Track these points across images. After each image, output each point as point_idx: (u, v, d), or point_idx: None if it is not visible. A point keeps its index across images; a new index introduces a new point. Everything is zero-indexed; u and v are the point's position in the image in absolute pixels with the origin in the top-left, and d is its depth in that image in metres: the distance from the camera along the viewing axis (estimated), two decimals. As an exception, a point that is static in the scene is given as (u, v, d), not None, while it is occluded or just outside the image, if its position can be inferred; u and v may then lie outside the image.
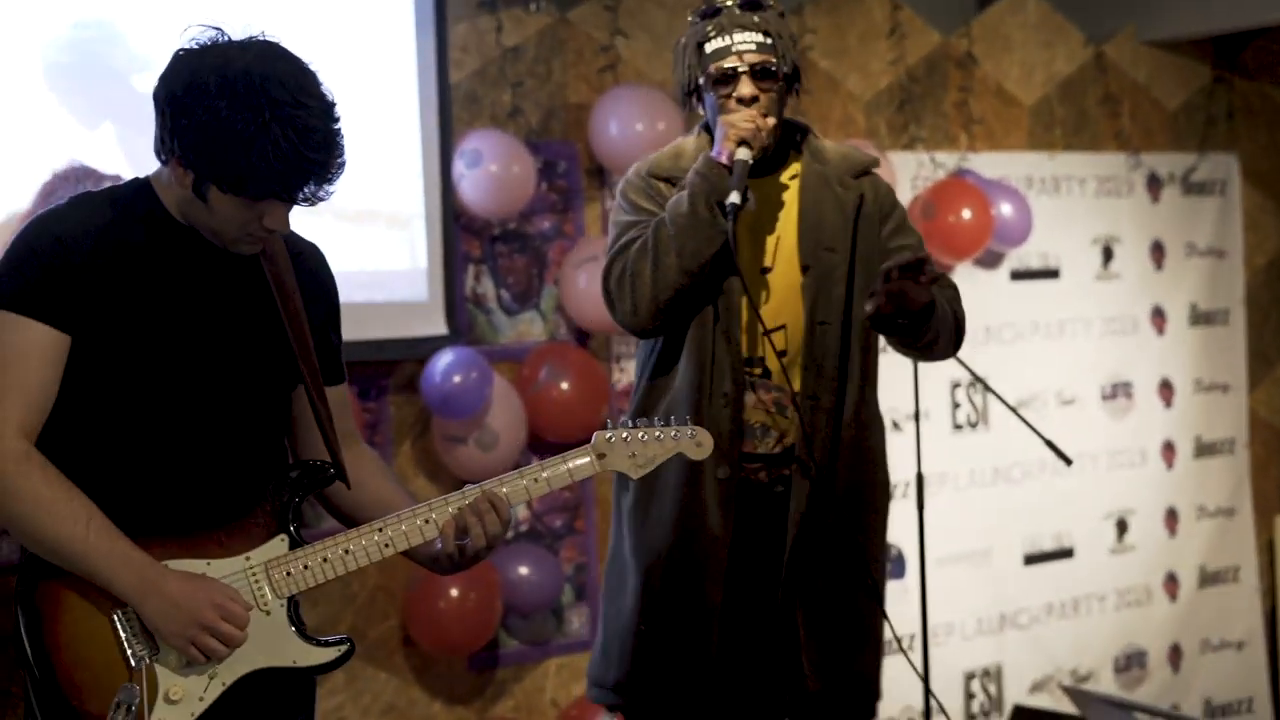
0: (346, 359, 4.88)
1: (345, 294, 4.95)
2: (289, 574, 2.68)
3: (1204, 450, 6.99)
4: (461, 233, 5.28)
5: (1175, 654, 6.85)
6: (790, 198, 3.37)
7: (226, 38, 2.60)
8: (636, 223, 3.28)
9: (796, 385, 3.29)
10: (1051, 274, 6.41)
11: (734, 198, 3.15)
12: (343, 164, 2.63)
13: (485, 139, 5.17)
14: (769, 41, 3.24)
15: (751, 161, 3.19)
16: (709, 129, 3.36)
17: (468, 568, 2.82)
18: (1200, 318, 6.98)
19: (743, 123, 3.19)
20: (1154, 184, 6.82)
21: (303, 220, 4.85)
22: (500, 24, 5.36)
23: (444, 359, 4.93)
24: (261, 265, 2.73)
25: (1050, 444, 4.70)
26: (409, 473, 5.20)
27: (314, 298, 2.85)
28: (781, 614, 3.31)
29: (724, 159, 3.18)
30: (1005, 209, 6.00)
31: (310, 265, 2.90)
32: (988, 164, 6.30)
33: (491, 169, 5.11)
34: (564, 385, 5.23)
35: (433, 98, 5.08)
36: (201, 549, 2.66)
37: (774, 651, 3.34)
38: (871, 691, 3.44)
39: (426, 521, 2.75)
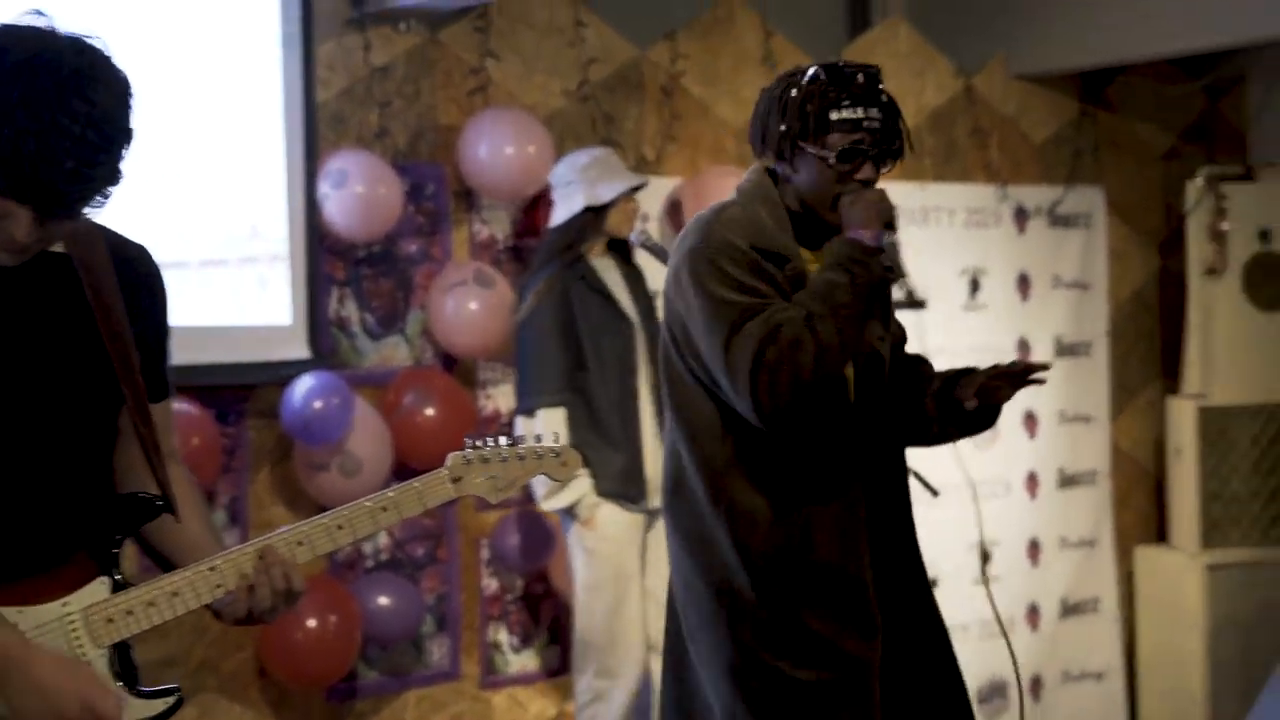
0: (205, 382, 4.82)
1: (204, 316, 4.88)
2: (110, 620, 2.42)
3: (1067, 481, 7.03)
4: (326, 255, 5.17)
5: (1036, 685, 6.88)
6: None
7: (40, 27, 2.33)
8: (759, 303, 2.97)
9: None
10: (919, 304, 6.40)
11: (907, 289, 3.09)
12: (99, 184, 2.31)
13: (351, 159, 5.06)
14: (893, 123, 3.10)
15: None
16: (775, 183, 3.14)
17: (253, 624, 2.55)
18: (1065, 349, 7.03)
19: (883, 203, 3.04)
20: (1021, 216, 6.87)
21: (161, 234, 4.74)
22: (368, 43, 5.26)
23: (305, 383, 4.82)
24: (79, 277, 2.46)
25: (918, 476, 4.68)
26: (267, 500, 5.07)
27: (141, 308, 2.55)
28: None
29: (872, 242, 2.99)
30: (875, 239, 5.99)
31: (139, 270, 2.58)
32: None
33: (357, 190, 5.01)
34: (429, 411, 5.14)
35: (298, 116, 4.98)
36: (14, 595, 2.40)
37: None
38: None
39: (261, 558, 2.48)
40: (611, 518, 4.89)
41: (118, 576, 2.48)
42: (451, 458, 2.60)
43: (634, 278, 5.08)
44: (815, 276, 3.01)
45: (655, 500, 4.88)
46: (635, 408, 4.90)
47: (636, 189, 5.05)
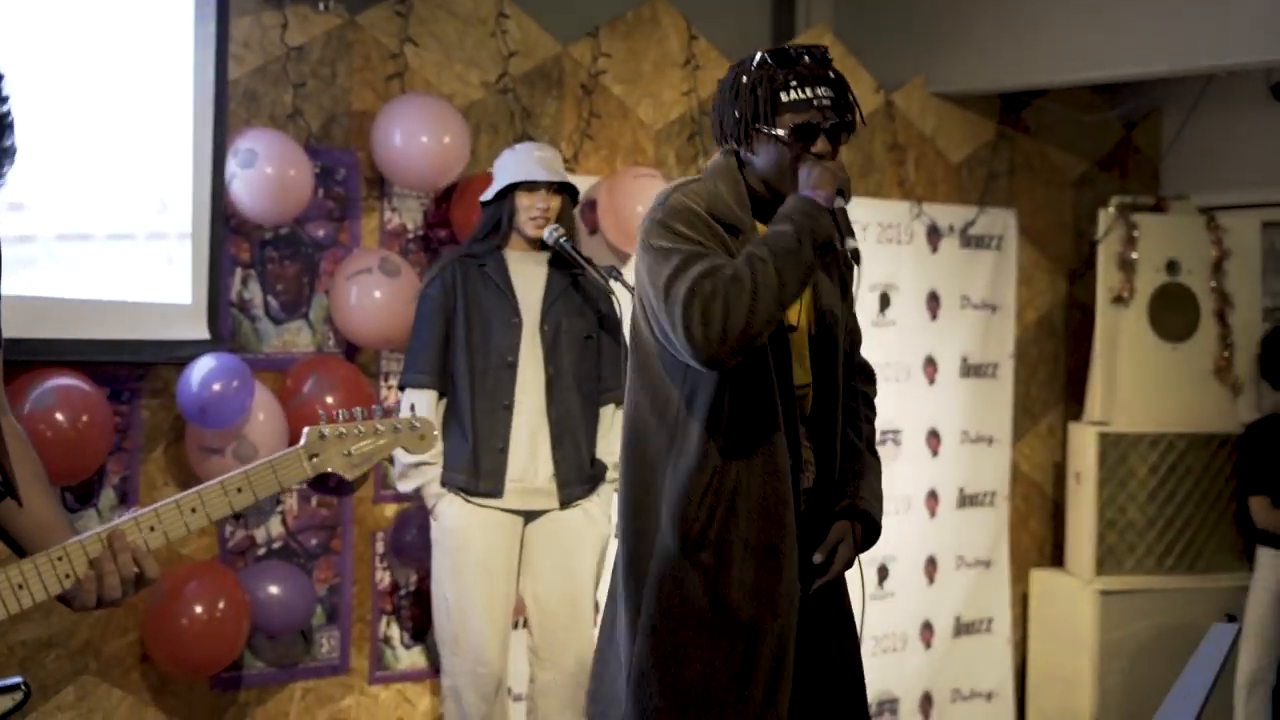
0: (98, 357, 4.70)
1: (102, 291, 4.77)
2: None
3: (966, 501, 7.06)
4: (231, 235, 5.07)
5: (927, 702, 6.89)
6: None
7: None
8: (701, 251, 3.10)
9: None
10: (857, 261, 6.37)
11: (853, 243, 3.10)
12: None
13: (262, 139, 4.97)
14: (843, 98, 3.23)
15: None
16: (739, 167, 3.27)
17: (101, 609, 2.46)
18: (971, 369, 7.06)
19: (840, 172, 3.16)
20: (934, 234, 6.88)
21: (68, 205, 4.63)
22: (286, 21, 5.17)
23: (204, 365, 4.71)
24: None
25: None
26: (158, 481, 4.96)
27: None
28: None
29: (823, 200, 3.10)
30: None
31: None
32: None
33: (267, 171, 4.92)
34: (329, 399, 5.04)
35: (209, 92, 4.86)
36: None
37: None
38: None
39: (67, 576, 2.36)
40: (453, 510, 4.81)
41: None
42: (307, 433, 2.54)
43: (557, 280, 4.94)
44: (768, 229, 3.13)
45: (529, 500, 4.86)
46: (510, 404, 4.81)
47: (565, 188, 4.90)
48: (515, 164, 4.89)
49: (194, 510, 2.46)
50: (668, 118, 6.09)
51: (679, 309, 3.03)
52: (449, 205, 5.47)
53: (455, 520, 4.82)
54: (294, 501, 5.25)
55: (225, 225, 4.99)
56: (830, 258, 3.27)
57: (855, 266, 3.14)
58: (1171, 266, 7.09)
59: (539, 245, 4.90)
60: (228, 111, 4.96)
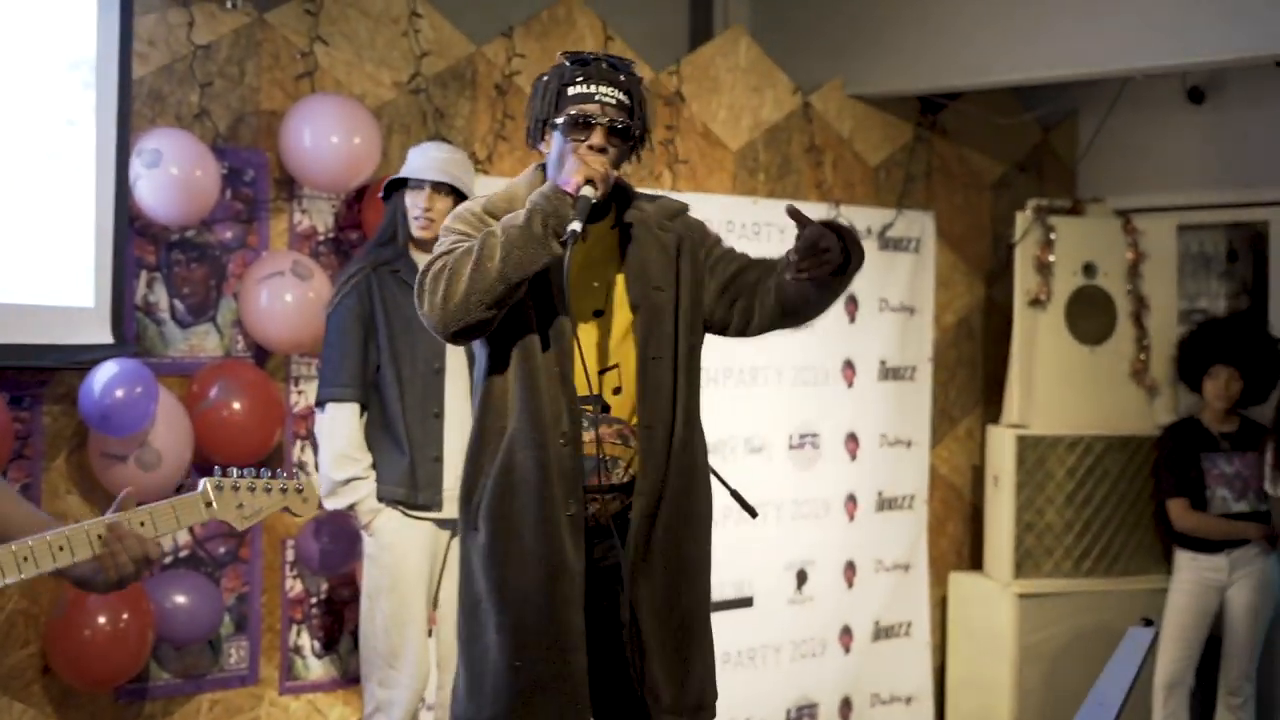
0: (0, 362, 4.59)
1: (1, 293, 4.65)
2: None
3: (885, 504, 7.03)
4: (135, 237, 4.96)
5: (846, 707, 6.86)
6: (615, 245, 3.53)
7: None
8: (461, 242, 3.33)
9: (633, 418, 3.45)
10: (576, 238, 6.32)
11: (575, 225, 3.24)
12: None
13: (167, 139, 4.86)
14: (628, 103, 3.40)
15: (595, 201, 3.31)
16: (543, 170, 3.48)
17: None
18: (889, 373, 7.03)
19: (595, 164, 3.32)
20: (852, 237, 6.84)
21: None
22: (192, 19, 5.07)
23: (106, 370, 4.60)
24: None
25: (736, 495, 4.58)
26: (61, 488, 4.85)
27: None
28: (632, 630, 3.47)
29: (569, 189, 3.29)
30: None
31: None
32: (690, 204, 6.22)
33: (172, 171, 4.81)
34: (236, 405, 4.95)
35: (112, 91, 4.75)
36: None
37: (631, 667, 3.47)
38: (713, 692, 3.58)
39: (62, 549, 2.61)
40: (391, 525, 4.70)
41: None
42: (204, 483, 2.84)
43: None
44: None
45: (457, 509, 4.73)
46: (439, 411, 4.71)
47: (448, 190, 4.72)
48: (408, 162, 4.79)
49: (100, 537, 2.68)
50: (583, 119, 6.01)
51: (418, 283, 3.29)
52: (360, 207, 5.38)
53: (393, 535, 4.70)
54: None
55: (130, 227, 4.88)
56: (682, 241, 3.53)
57: (567, 248, 3.25)
58: (1088, 269, 7.11)
59: None
60: (132, 110, 4.85)
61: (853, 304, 6.86)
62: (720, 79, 6.48)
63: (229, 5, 5.16)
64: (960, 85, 6.83)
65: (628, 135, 3.40)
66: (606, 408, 3.42)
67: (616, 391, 3.44)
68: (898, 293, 7.05)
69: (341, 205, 5.41)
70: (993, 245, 7.50)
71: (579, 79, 3.36)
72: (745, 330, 3.58)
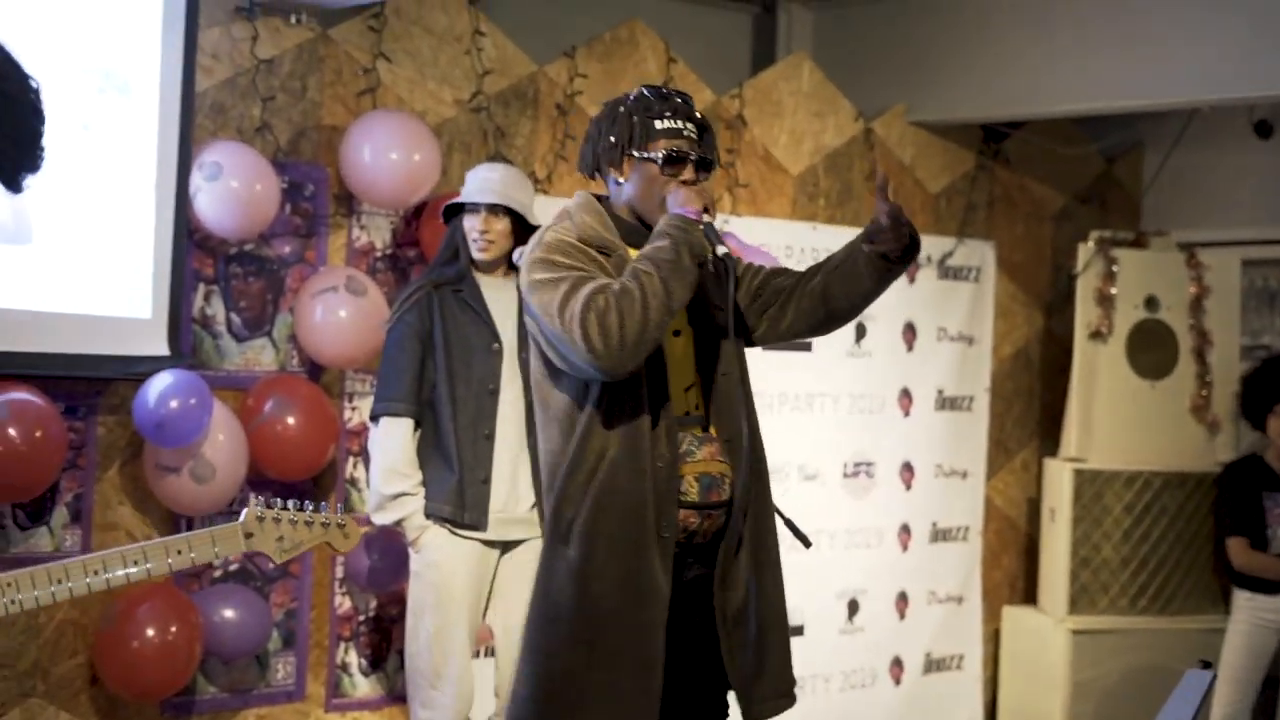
0: (52, 371, 4.59)
1: (58, 303, 4.66)
2: None
3: (939, 536, 6.97)
4: (194, 249, 4.97)
5: (895, 739, 6.79)
6: None
7: None
8: (585, 274, 3.36)
9: (715, 432, 3.55)
10: (804, 346, 6.32)
11: (722, 249, 3.38)
12: (36, 157, 2.45)
13: (228, 152, 4.87)
14: (706, 137, 3.54)
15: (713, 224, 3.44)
16: (601, 200, 3.57)
17: None
18: (945, 402, 6.98)
19: (705, 192, 3.46)
20: (912, 265, 6.79)
21: (25, 213, 4.52)
22: (256, 33, 5.08)
23: (161, 381, 4.60)
24: None
25: (790, 524, 4.55)
26: (113, 500, 4.85)
27: None
28: (726, 632, 3.55)
29: (695, 217, 3.40)
30: (763, 276, 5.90)
31: None
32: (748, 229, 6.20)
33: (232, 185, 4.81)
34: (291, 420, 4.94)
35: (174, 103, 4.76)
36: None
37: (725, 666, 3.56)
38: (793, 677, 3.70)
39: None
40: (438, 542, 4.67)
41: None
42: (246, 513, 2.82)
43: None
44: (646, 245, 3.40)
45: (508, 531, 4.71)
46: (490, 433, 4.68)
47: (505, 211, 4.70)
48: (466, 186, 4.77)
49: (136, 563, 2.68)
50: (644, 141, 5.99)
51: (577, 326, 3.27)
52: (418, 224, 5.37)
53: (439, 552, 4.68)
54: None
55: (189, 239, 4.89)
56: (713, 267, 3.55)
57: (731, 271, 3.42)
58: (1150, 303, 7.03)
59: (506, 270, 4.77)
60: (194, 123, 4.86)
61: (911, 333, 6.81)
62: (782, 103, 6.45)
63: (293, 20, 5.17)
64: (1023, 115, 6.78)
65: (710, 168, 3.54)
66: (706, 425, 3.53)
67: (696, 409, 3.54)
68: (956, 322, 6.99)
69: (400, 222, 5.40)
70: (1053, 276, 7.44)
71: (666, 114, 3.50)
72: (771, 336, 3.67)
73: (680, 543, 3.47)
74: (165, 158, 4.77)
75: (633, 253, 3.45)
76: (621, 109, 3.53)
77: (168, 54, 4.76)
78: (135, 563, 2.62)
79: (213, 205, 4.82)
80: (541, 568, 3.49)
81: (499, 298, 4.75)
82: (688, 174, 3.47)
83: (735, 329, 3.53)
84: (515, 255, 4.69)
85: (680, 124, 3.48)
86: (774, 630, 3.61)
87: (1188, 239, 7.31)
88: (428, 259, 5.28)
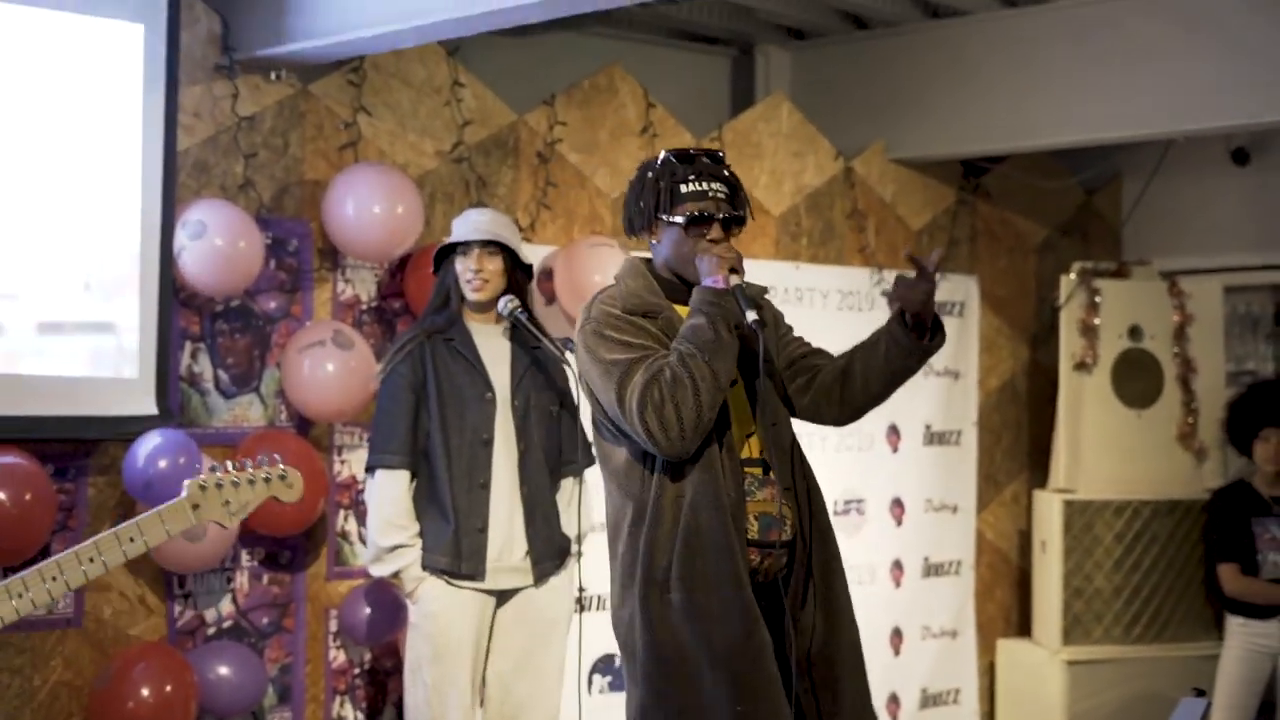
0: (41, 434, 4.60)
1: (45, 365, 4.68)
2: None
3: (931, 570, 6.98)
4: (180, 307, 4.98)
5: (894, 776, 6.79)
6: None
7: None
8: (641, 356, 3.48)
9: (773, 476, 3.60)
10: (763, 324, 6.31)
11: (752, 315, 3.46)
12: None
13: (212, 210, 4.89)
14: (733, 193, 3.62)
15: (742, 285, 3.52)
16: (647, 262, 3.68)
17: None
18: (934, 437, 7.00)
19: (728, 253, 3.53)
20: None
21: (4, 275, 4.54)
22: (237, 91, 5.10)
23: (149, 441, 4.62)
24: None
25: None
26: (105, 560, 4.85)
27: None
28: (804, 670, 3.59)
29: (723, 285, 3.49)
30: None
31: None
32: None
33: (216, 242, 4.83)
34: (280, 474, 4.94)
35: (157, 162, 4.79)
36: None
37: (809, 706, 3.59)
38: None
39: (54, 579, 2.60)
40: (435, 593, 4.66)
41: None
42: (188, 485, 2.83)
43: (520, 354, 4.79)
44: (684, 324, 3.52)
45: (505, 580, 4.71)
46: (486, 482, 4.69)
47: (497, 249, 4.70)
48: (454, 231, 4.79)
49: (91, 560, 2.70)
50: (625, 186, 5.99)
51: (637, 420, 3.41)
52: (403, 276, 5.39)
53: (437, 603, 4.67)
54: (245, 579, 5.15)
55: (174, 298, 4.90)
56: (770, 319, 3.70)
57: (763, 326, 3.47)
58: (1134, 332, 7.07)
59: (496, 317, 4.79)
60: (176, 182, 4.88)
61: (897, 368, 6.83)
62: (762, 144, 6.49)
63: (273, 77, 5.20)
64: (1002, 149, 6.83)
65: (740, 223, 3.63)
66: (768, 468, 3.58)
67: (758, 453, 3.60)
68: (942, 357, 7.01)
69: (385, 274, 5.42)
70: (1037, 308, 7.48)
71: (690, 177, 3.58)
72: (794, 410, 3.74)
73: (756, 581, 3.51)
74: (149, 216, 4.79)
75: (679, 309, 3.57)
76: (650, 174, 3.63)
77: (149, 113, 4.79)
78: (90, 559, 2.64)
79: (198, 263, 4.84)
80: (639, 619, 3.50)
81: (490, 344, 4.76)
82: (715, 232, 3.57)
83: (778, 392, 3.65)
84: (501, 305, 4.71)
85: (705, 185, 3.58)
86: (853, 676, 3.65)
87: (1169, 267, 7.36)
88: (413, 310, 5.30)
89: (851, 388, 3.70)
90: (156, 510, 2.71)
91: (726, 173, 3.63)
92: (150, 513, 2.68)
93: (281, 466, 2.82)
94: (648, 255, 3.68)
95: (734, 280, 3.50)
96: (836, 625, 3.63)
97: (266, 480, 2.85)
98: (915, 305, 3.56)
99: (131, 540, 2.66)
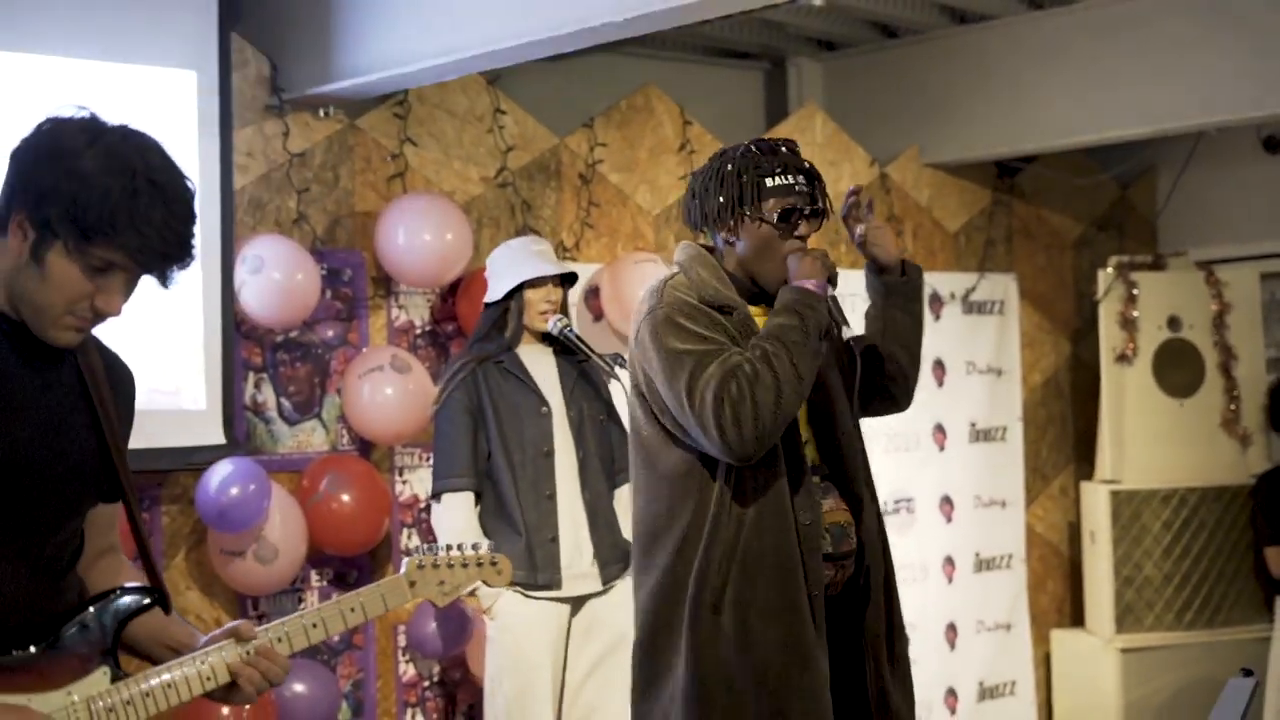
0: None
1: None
2: (111, 710, 2.47)
3: (983, 565, 7.09)
4: (242, 340, 5.16)
5: (955, 768, 6.89)
6: None
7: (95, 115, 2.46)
8: (717, 349, 3.27)
9: (832, 483, 3.46)
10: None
11: (848, 331, 3.40)
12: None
13: (268, 245, 5.07)
14: (816, 186, 3.42)
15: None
16: (710, 251, 3.46)
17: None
18: (979, 434, 7.10)
19: (827, 260, 3.38)
20: (936, 302, 6.95)
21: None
22: (287, 128, 5.28)
23: (221, 470, 4.79)
24: (80, 369, 2.56)
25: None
26: (181, 585, 5.02)
27: (121, 414, 2.67)
28: (875, 677, 3.49)
29: (820, 291, 3.32)
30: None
31: (118, 375, 2.71)
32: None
33: (274, 276, 5.01)
34: (345, 497, 5.12)
35: (215, 202, 4.97)
36: (20, 681, 2.43)
37: (876, 705, 3.48)
38: None
39: (249, 652, 2.61)
40: (511, 607, 4.76)
41: (116, 665, 2.54)
42: (407, 564, 2.84)
43: (567, 368, 4.93)
44: (768, 322, 3.30)
45: (579, 585, 4.82)
46: (552, 492, 4.83)
47: (565, 279, 4.90)
48: (518, 262, 4.86)
49: (315, 626, 2.69)
50: (665, 202, 6.18)
51: (709, 414, 3.18)
52: (455, 300, 5.55)
53: (514, 616, 4.76)
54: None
55: (236, 331, 5.08)
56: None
57: (856, 355, 3.38)
58: (1173, 322, 7.15)
59: (541, 337, 4.94)
60: (234, 220, 5.06)
61: (940, 368, 6.95)
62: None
63: (321, 114, 5.37)
64: (1035, 149, 6.92)
65: (824, 216, 3.45)
66: (828, 477, 3.43)
67: (817, 461, 3.45)
68: (984, 355, 7.13)
69: (436, 299, 5.58)
70: (1076, 303, 7.57)
71: (777, 169, 3.37)
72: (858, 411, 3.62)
73: (825, 594, 3.38)
74: (209, 255, 4.97)
75: (752, 310, 3.37)
76: (730, 166, 3.39)
77: (205, 156, 4.97)
78: (315, 625, 2.68)
79: (257, 297, 5.01)
80: (686, 641, 3.31)
81: (538, 361, 4.90)
82: (802, 229, 3.38)
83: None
84: (551, 324, 4.85)
85: (791, 179, 3.36)
86: (909, 669, 3.59)
87: (1205, 257, 7.44)
88: (466, 332, 5.46)
89: (890, 356, 3.60)
90: (376, 585, 2.79)
91: (806, 164, 3.42)
92: (370, 586, 2.78)
93: (494, 554, 2.93)
94: (706, 243, 3.48)
95: (831, 290, 3.32)
96: (900, 631, 3.52)
97: (479, 565, 2.89)
98: (892, 250, 3.57)
99: (352, 611, 2.72)
